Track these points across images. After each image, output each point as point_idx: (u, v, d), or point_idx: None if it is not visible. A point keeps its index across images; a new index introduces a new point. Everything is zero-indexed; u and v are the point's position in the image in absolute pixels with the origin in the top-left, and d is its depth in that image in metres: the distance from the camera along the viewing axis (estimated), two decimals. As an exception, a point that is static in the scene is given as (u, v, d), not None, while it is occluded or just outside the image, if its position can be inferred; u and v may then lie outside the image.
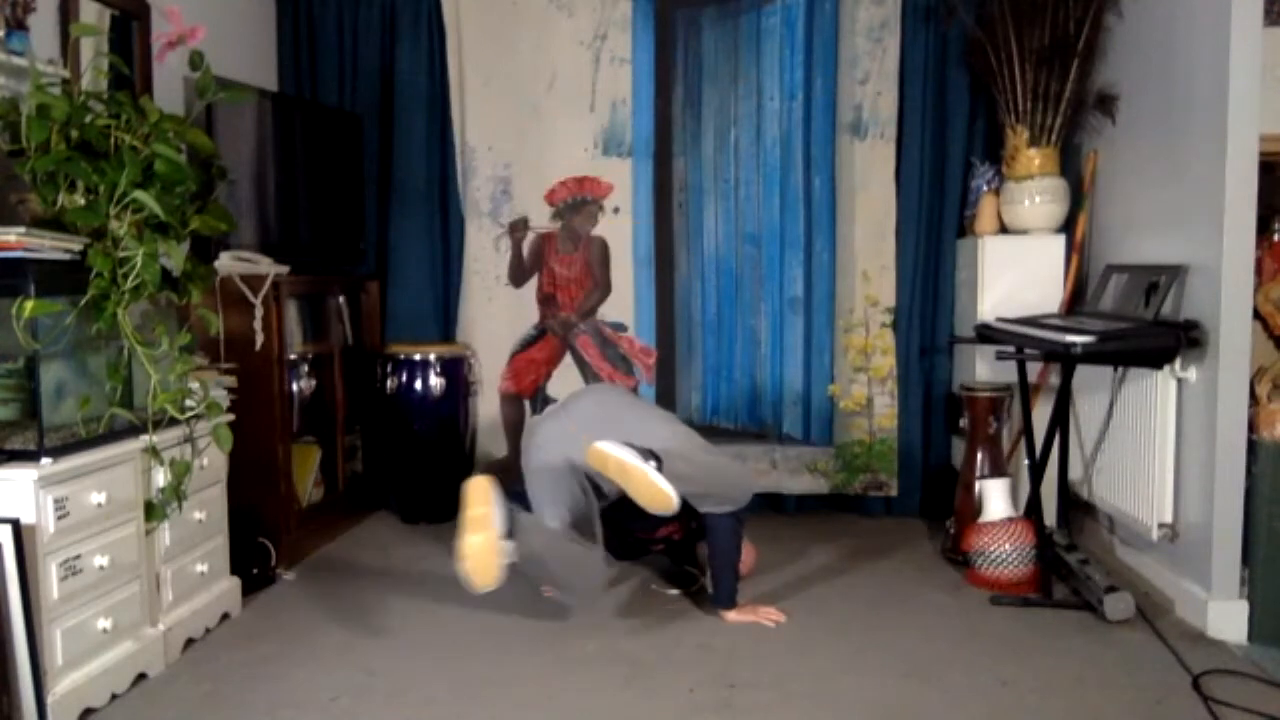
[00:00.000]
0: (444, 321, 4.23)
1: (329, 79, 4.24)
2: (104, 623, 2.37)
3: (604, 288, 4.14)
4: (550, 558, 2.75)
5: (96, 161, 2.39)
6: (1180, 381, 2.93)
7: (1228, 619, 2.77)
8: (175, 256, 2.46)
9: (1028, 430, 3.27)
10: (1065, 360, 3.04)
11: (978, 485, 3.35)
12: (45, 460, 2.21)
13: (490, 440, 4.17)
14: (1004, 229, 3.76)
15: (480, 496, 2.62)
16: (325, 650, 2.72)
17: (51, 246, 2.26)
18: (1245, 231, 2.73)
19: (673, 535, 3.25)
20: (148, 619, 2.57)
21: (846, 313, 4.04)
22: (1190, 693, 2.43)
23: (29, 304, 2.15)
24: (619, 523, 3.06)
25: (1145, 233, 3.26)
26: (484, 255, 4.15)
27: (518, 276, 4.17)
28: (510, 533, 2.65)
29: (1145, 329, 2.90)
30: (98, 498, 2.34)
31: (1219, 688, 2.44)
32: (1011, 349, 3.17)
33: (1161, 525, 2.99)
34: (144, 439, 2.50)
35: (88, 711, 2.31)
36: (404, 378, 3.93)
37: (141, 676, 2.51)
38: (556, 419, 2.97)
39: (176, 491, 2.60)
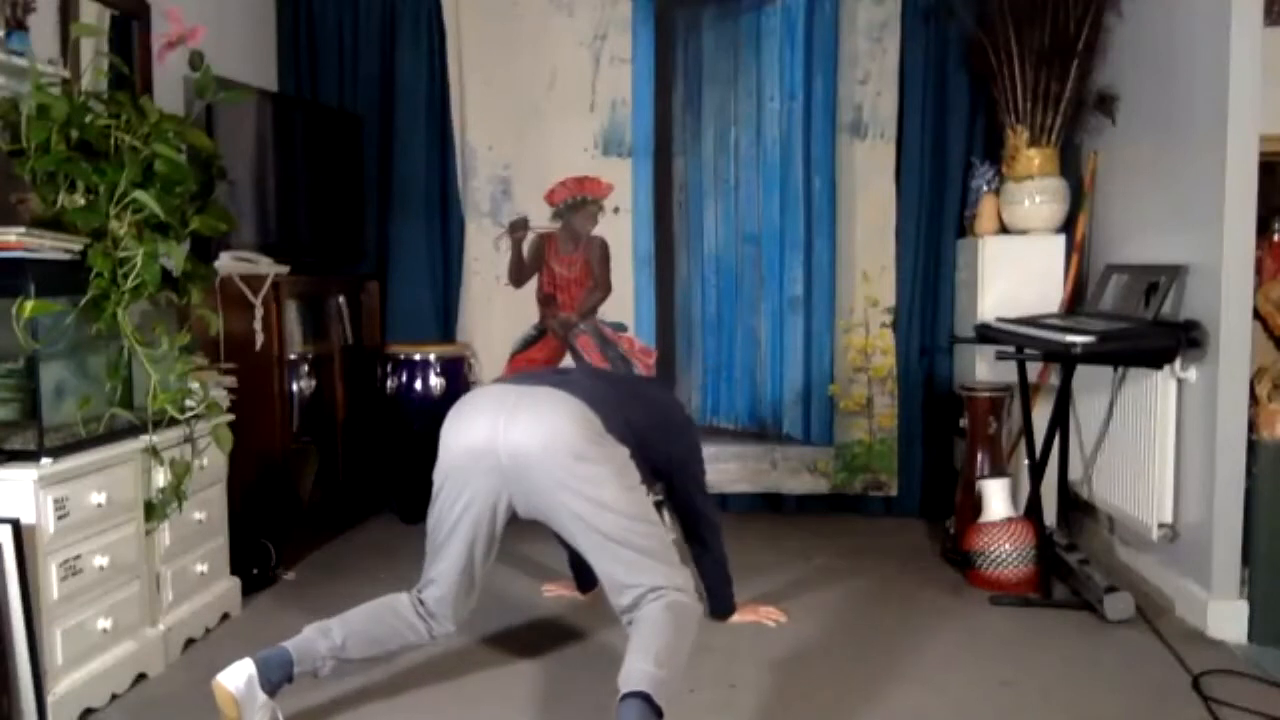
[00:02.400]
0: (444, 321, 4.23)
1: (329, 79, 4.24)
2: (104, 623, 2.37)
3: (604, 288, 4.14)
4: (358, 638, 2.32)
5: (96, 161, 2.39)
6: (1180, 381, 2.93)
7: (1227, 619, 2.77)
8: (175, 256, 2.46)
9: (1028, 430, 3.27)
10: (1065, 360, 3.04)
11: (978, 485, 3.35)
12: (45, 460, 2.21)
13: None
14: (1004, 229, 3.75)
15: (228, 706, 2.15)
16: (325, 650, 2.71)
17: (51, 246, 2.26)
18: (1245, 231, 2.73)
19: None
20: (148, 619, 2.57)
21: (846, 313, 4.04)
22: (1190, 693, 2.43)
23: (29, 304, 2.15)
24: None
25: (1145, 233, 3.26)
26: (484, 255, 4.15)
27: (518, 276, 4.17)
28: (286, 679, 2.23)
29: (1145, 329, 2.91)
30: (98, 498, 2.34)
31: (1219, 688, 2.44)
32: (1011, 349, 3.17)
33: (1161, 525, 2.99)
34: (144, 439, 2.50)
35: (88, 711, 2.31)
36: (404, 378, 3.93)
37: (141, 676, 2.51)
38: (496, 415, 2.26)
39: (176, 491, 2.60)
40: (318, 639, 2.27)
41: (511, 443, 2.20)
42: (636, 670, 2.00)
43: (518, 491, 2.26)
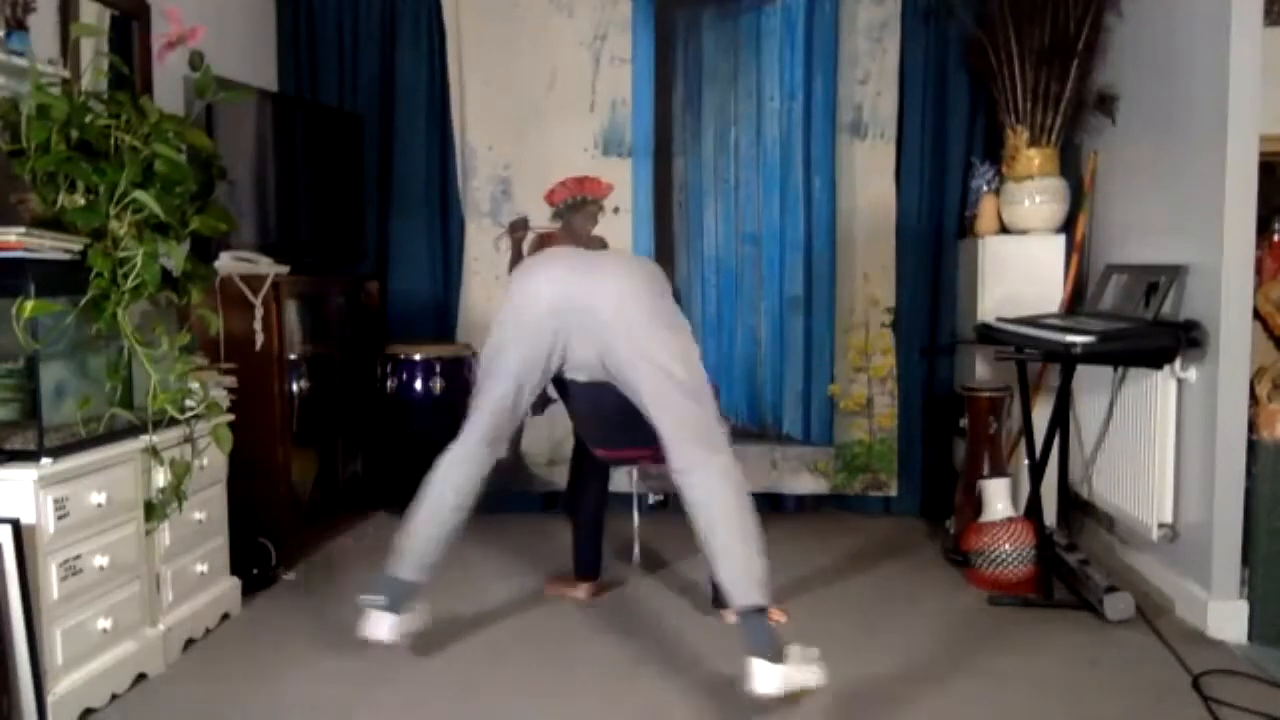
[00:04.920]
0: (444, 321, 4.23)
1: (329, 79, 4.24)
2: (104, 623, 2.37)
3: (604, 288, 4.13)
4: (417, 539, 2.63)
5: (96, 161, 2.39)
6: (1180, 381, 2.93)
7: (1228, 619, 2.77)
8: (175, 256, 2.46)
9: (1028, 430, 3.27)
10: (1065, 360, 3.04)
11: (978, 485, 3.35)
12: (45, 460, 2.21)
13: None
14: (1004, 229, 3.76)
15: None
16: (325, 650, 2.72)
17: (51, 246, 2.26)
18: (1245, 231, 2.73)
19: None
20: (148, 619, 2.57)
21: (846, 313, 4.04)
22: (1190, 693, 2.43)
23: (29, 304, 2.15)
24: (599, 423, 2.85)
25: (1145, 233, 3.26)
26: (484, 255, 4.15)
27: (518, 276, 4.16)
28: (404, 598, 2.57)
29: (1145, 329, 2.91)
30: (98, 498, 2.34)
31: (1219, 688, 2.44)
32: (1011, 349, 3.17)
33: (1161, 525, 2.99)
34: (144, 439, 2.50)
35: (88, 711, 2.31)
36: (404, 378, 3.92)
37: (141, 676, 2.51)
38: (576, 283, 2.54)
39: (176, 491, 2.60)
40: (402, 556, 2.57)
41: (590, 288, 2.50)
42: (739, 584, 2.30)
43: (579, 339, 2.50)
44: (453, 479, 2.62)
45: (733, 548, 2.35)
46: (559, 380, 2.74)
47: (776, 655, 2.28)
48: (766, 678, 2.23)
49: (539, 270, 2.64)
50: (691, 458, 2.42)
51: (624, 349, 2.47)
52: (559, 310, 2.51)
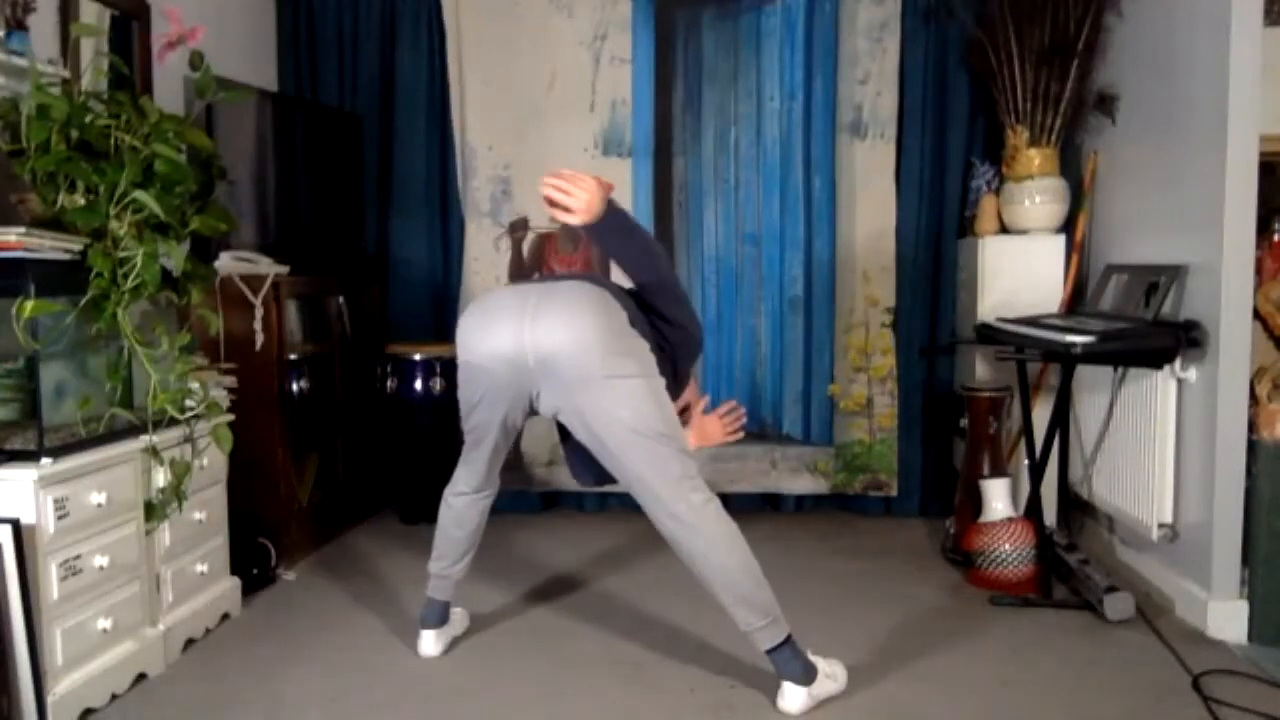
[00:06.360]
0: (444, 321, 4.23)
1: (329, 79, 4.24)
2: (104, 623, 2.37)
3: (604, 288, 4.13)
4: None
5: (96, 161, 2.39)
6: (1180, 381, 2.93)
7: (1228, 619, 2.77)
8: (175, 256, 2.46)
9: (1028, 430, 3.27)
10: (1065, 360, 3.04)
11: (979, 485, 3.35)
12: (45, 460, 2.21)
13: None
14: (1004, 229, 3.76)
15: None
16: (325, 650, 2.72)
17: (51, 246, 2.26)
18: (1245, 231, 2.73)
19: None
20: (148, 619, 2.57)
21: (846, 313, 4.04)
22: (1190, 693, 2.43)
23: (29, 304, 2.15)
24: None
25: (1145, 233, 3.26)
26: (484, 255, 4.15)
27: (518, 276, 4.16)
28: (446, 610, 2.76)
29: (1145, 329, 2.91)
30: (98, 498, 2.34)
31: (1219, 688, 2.44)
32: (1011, 349, 3.17)
33: (1161, 525, 2.99)
34: (144, 439, 2.50)
35: (88, 711, 2.31)
36: (404, 378, 3.93)
37: (141, 676, 2.52)
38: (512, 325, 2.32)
39: (176, 491, 2.60)
40: (440, 575, 2.70)
41: (537, 343, 2.29)
42: (760, 631, 2.33)
43: (545, 389, 2.36)
44: (463, 521, 2.69)
45: (741, 596, 2.31)
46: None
47: (809, 677, 2.36)
48: (798, 698, 2.34)
49: (486, 326, 2.37)
50: (668, 521, 2.32)
51: (587, 406, 2.30)
52: (515, 381, 2.35)
